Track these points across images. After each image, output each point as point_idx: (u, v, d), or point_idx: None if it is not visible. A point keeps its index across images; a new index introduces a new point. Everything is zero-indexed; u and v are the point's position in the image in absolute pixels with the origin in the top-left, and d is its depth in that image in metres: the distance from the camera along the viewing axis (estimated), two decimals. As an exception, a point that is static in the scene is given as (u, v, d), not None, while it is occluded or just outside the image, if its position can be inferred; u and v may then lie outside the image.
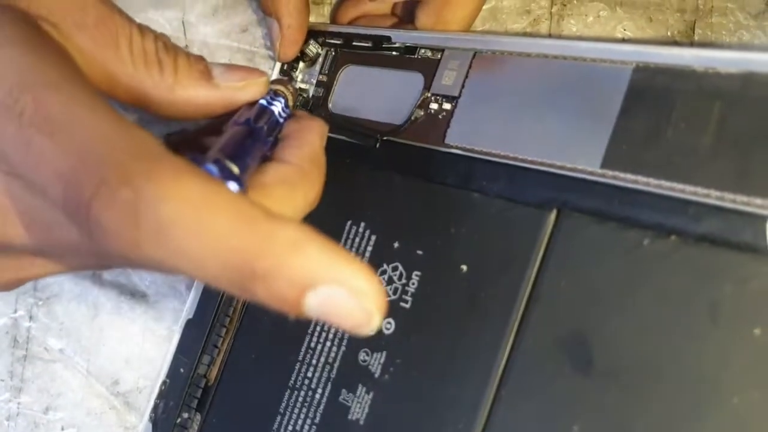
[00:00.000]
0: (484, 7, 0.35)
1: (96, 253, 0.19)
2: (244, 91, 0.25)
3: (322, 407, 0.27)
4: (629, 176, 0.22)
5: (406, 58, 0.29)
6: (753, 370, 0.20)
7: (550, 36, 0.34)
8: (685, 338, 0.21)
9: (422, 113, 0.28)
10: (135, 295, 0.35)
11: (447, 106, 0.27)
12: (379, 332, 0.26)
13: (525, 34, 0.33)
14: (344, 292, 0.16)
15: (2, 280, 0.23)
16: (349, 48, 0.31)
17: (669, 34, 0.35)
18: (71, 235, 0.19)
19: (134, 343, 0.35)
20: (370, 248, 0.27)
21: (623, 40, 0.35)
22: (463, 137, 0.26)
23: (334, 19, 0.35)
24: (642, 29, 0.35)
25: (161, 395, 0.33)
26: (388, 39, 0.30)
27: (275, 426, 0.28)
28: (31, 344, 0.35)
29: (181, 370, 0.32)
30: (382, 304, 0.17)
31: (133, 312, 0.35)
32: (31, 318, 0.35)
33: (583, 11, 0.35)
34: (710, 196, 0.21)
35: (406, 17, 0.33)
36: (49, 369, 0.35)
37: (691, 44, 0.35)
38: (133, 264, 0.18)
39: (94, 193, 0.16)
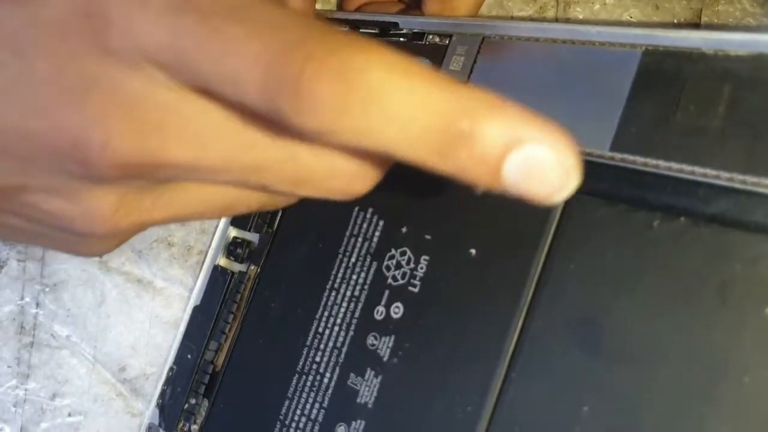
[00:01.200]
0: (490, -5, 0.35)
1: (284, 138, 0.19)
2: None
3: (330, 391, 0.27)
4: (639, 159, 0.22)
5: (414, 44, 0.29)
6: (763, 349, 0.20)
7: (557, 20, 0.34)
8: (696, 319, 0.21)
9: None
10: (142, 281, 0.35)
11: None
12: (388, 316, 0.26)
13: (534, 20, 0.33)
14: (546, 150, 0.16)
15: (124, 224, 0.21)
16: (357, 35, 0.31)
17: (675, 21, 0.36)
18: (243, 135, 0.19)
19: (141, 330, 0.35)
20: (378, 233, 0.27)
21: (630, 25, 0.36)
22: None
23: (341, 6, 0.35)
24: (648, 17, 0.36)
25: (168, 381, 0.33)
26: (396, 25, 0.30)
27: (283, 410, 0.28)
28: (37, 331, 0.35)
29: (189, 356, 0.32)
30: (579, 162, 0.17)
31: (140, 299, 0.35)
32: (37, 305, 0.35)
33: (589, -1, 0.35)
34: (720, 177, 0.21)
35: (412, 3, 0.33)
36: (55, 356, 0.35)
37: (698, 26, 0.35)
38: (326, 141, 0.18)
39: (302, 67, 0.16)
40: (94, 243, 0.22)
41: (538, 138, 0.16)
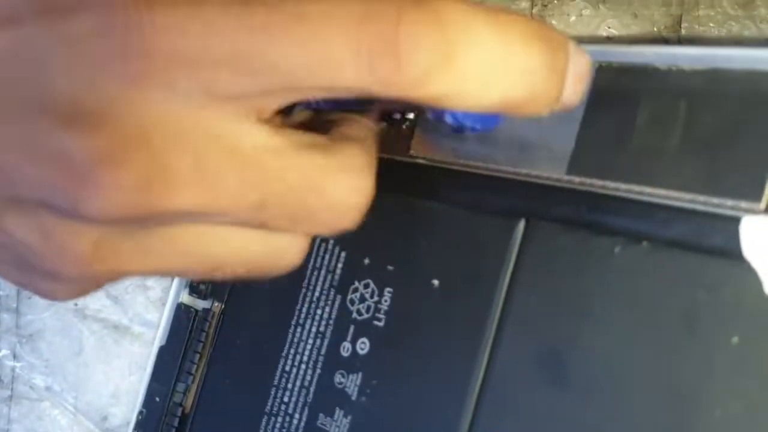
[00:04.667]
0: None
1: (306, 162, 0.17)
2: None
3: (299, 434, 0.26)
4: (596, 182, 0.21)
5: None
6: (734, 380, 0.19)
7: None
8: (662, 349, 0.20)
9: (386, 124, 0.27)
10: (119, 328, 0.34)
11: (410, 116, 0.26)
12: (354, 352, 0.26)
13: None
14: (583, 55, 0.17)
15: (98, 270, 0.18)
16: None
17: (655, 29, 0.34)
18: None
19: (121, 377, 0.34)
20: (340, 265, 0.27)
21: (608, 39, 0.35)
22: (427, 148, 0.26)
23: None
24: (627, 26, 0.34)
25: (138, 426, 0.32)
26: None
27: (254, 455, 0.27)
28: (16, 383, 0.34)
29: (157, 399, 0.31)
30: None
31: (118, 345, 0.34)
32: (15, 357, 0.34)
33: (564, 11, 0.35)
34: (681, 199, 0.20)
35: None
36: (36, 408, 0.34)
37: (666, 41, 0.34)
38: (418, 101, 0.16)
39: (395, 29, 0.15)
40: (59, 286, 0.19)
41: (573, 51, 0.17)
